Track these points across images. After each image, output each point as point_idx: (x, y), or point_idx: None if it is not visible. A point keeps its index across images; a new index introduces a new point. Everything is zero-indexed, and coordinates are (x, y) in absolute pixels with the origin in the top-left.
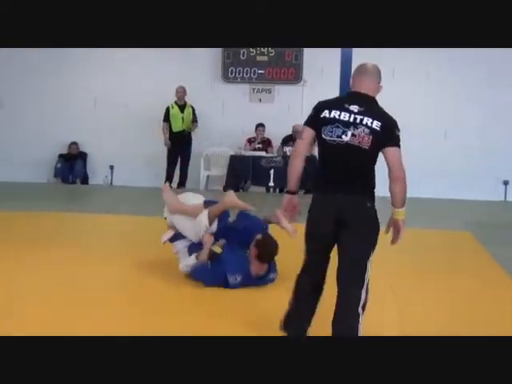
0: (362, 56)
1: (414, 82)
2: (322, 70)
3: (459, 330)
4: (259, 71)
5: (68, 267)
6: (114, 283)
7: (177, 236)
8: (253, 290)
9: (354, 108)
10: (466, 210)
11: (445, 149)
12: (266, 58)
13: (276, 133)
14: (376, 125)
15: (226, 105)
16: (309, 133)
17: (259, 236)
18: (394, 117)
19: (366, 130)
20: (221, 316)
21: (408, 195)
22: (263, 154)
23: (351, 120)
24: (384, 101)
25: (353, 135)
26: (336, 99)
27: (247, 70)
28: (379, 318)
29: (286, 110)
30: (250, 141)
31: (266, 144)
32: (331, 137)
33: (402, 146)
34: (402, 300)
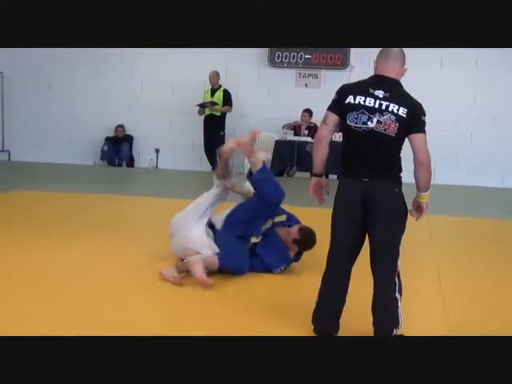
0: None
1: (462, 69)
2: (369, 56)
3: (505, 328)
4: (306, 56)
5: (108, 251)
6: (150, 267)
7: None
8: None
9: (379, 93)
10: None
11: (493, 136)
12: None
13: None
14: (402, 112)
15: (271, 90)
16: (333, 118)
17: (297, 235)
18: (443, 104)
19: (392, 117)
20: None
21: (457, 183)
22: (308, 139)
23: (376, 106)
24: (433, 88)
25: (378, 122)
26: (360, 83)
27: (294, 55)
28: (424, 314)
29: (332, 95)
30: (296, 127)
31: (313, 130)
32: (356, 123)
33: (452, 133)
34: (448, 293)
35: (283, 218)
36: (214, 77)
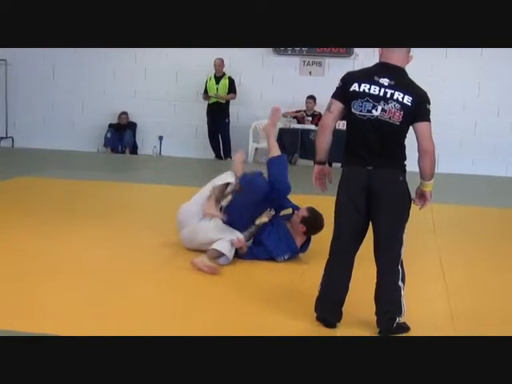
0: None
1: (467, 58)
2: None
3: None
4: None
5: (112, 238)
6: (157, 257)
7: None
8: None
9: (384, 81)
10: None
11: (498, 125)
12: None
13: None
14: (407, 100)
15: (275, 77)
16: (337, 106)
17: (305, 213)
18: (447, 93)
19: (397, 106)
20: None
21: (463, 172)
22: (312, 127)
23: (381, 94)
24: (438, 77)
25: (383, 110)
26: (365, 70)
27: None
28: (427, 302)
29: (336, 83)
30: (297, 112)
31: (317, 118)
32: (361, 111)
33: (456, 122)
34: (450, 282)
35: (289, 211)
36: (220, 64)
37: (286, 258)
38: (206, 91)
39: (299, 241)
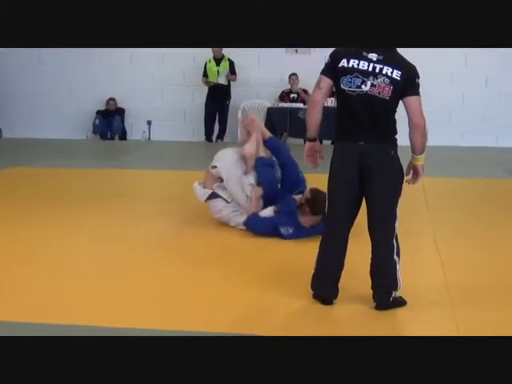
0: None
1: None
2: None
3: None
4: None
5: (110, 225)
6: (157, 239)
7: (215, 194)
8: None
9: (373, 56)
10: (508, 157)
11: (486, 95)
12: None
13: (313, 84)
14: (396, 74)
15: (262, 56)
16: (326, 82)
17: (308, 194)
18: (435, 65)
19: (387, 80)
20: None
21: (450, 144)
22: (301, 105)
23: (370, 69)
24: (426, 50)
25: (372, 85)
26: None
27: None
28: (422, 275)
29: (323, 60)
30: (283, 94)
31: (301, 96)
32: (350, 87)
33: (444, 95)
34: (445, 253)
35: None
36: (218, 49)
37: (290, 231)
38: (205, 74)
39: (309, 219)
